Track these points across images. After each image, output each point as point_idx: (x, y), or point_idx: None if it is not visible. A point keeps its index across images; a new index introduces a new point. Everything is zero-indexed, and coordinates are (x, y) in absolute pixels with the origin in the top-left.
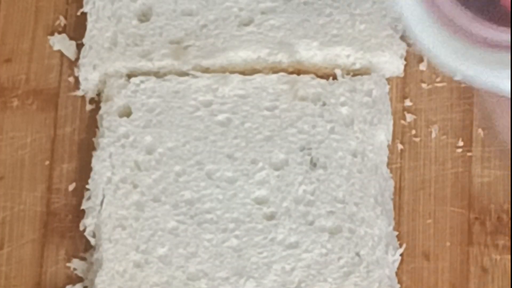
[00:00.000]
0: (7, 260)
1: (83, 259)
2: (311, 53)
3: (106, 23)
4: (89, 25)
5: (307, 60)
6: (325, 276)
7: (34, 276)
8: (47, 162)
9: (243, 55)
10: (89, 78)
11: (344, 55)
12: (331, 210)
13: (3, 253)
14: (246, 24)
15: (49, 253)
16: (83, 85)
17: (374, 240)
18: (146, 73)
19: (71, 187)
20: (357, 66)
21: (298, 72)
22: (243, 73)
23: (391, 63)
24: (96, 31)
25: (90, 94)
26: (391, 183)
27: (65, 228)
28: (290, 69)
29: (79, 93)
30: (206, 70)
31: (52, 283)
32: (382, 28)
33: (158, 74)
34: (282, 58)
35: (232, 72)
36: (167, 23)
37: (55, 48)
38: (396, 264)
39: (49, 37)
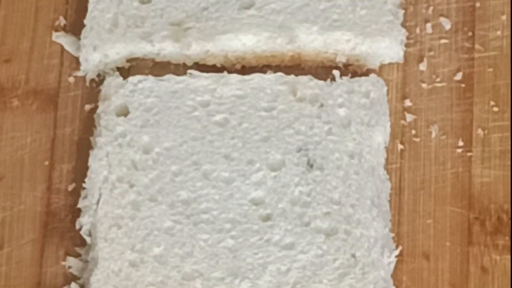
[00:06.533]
0: (7, 260)
1: (78, 255)
2: (311, 37)
3: (107, 4)
4: (90, 6)
5: (307, 44)
6: (321, 277)
7: (34, 276)
8: (46, 162)
9: (243, 38)
10: (89, 59)
11: (344, 40)
12: (327, 212)
13: (3, 253)
14: (247, 7)
15: (49, 253)
16: (84, 65)
17: (370, 242)
18: (146, 55)
19: (70, 187)
20: (357, 51)
21: (298, 56)
22: (243, 58)
23: (391, 49)
24: (97, 12)
25: (90, 75)
26: (388, 185)
27: (65, 228)
28: (290, 53)
29: (80, 73)
30: (206, 53)
31: (51, 283)
32: (382, 14)
33: (158, 56)
34: (282, 42)
35: (232, 55)
36: (168, 5)
37: (59, 42)
38: (392, 266)
39: (53, 32)
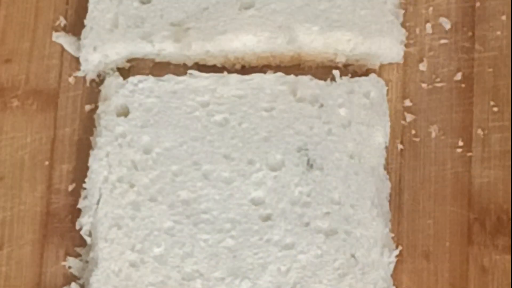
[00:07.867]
0: (7, 261)
1: (78, 255)
2: (312, 37)
3: (108, 4)
4: (90, 6)
5: (307, 44)
6: (320, 277)
7: (34, 276)
8: (47, 163)
9: (243, 38)
10: (89, 59)
11: (345, 40)
12: (327, 212)
13: (3, 253)
14: (247, 8)
15: (49, 254)
16: (84, 65)
17: (370, 242)
18: (146, 55)
19: (70, 187)
20: (357, 51)
21: (298, 57)
22: (243, 58)
23: (391, 49)
24: (97, 12)
25: (90, 75)
26: (388, 185)
27: (65, 228)
28: (290, 53)
29: (80, 73)
30: (206, 53)
31: (51, 283)
32: (382, 14)
33: (158, 56)
34: (282, 42)
35: (232, 55)
36: (168, 5)
37: (59, 42)
38: (392, 266)
39: (53, 32)
